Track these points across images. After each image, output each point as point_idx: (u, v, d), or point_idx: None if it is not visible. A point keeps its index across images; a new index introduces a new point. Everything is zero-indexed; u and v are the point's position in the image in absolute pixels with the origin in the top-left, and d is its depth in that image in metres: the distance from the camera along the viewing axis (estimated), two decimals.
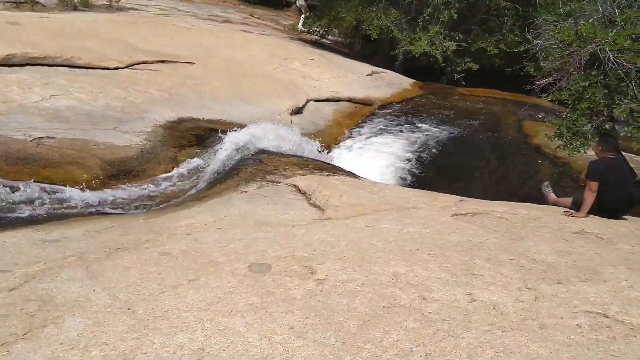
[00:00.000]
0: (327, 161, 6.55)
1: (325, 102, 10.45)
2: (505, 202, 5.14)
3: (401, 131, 9.52)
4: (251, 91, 9.50)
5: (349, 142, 9.03)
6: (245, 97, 9.15)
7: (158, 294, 2.51)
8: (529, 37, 7.67)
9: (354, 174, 6.02)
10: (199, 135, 6.70)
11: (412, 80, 13.38)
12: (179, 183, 5.43)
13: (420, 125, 9.83)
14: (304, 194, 4.56)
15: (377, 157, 8.31)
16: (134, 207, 4.85)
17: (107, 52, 8.91)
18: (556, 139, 6.30)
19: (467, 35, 15.10)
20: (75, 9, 13.06)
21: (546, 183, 5.32)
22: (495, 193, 6.66)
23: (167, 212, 4.33)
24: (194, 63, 9.91)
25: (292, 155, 6.12)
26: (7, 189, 4.41)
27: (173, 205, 4.73)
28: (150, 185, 5.34)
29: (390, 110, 10.87)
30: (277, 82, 10.30)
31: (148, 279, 2.67)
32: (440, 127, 9.72)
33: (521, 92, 13.60)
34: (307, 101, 10.02)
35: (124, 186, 5.16)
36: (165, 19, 14.08)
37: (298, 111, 9.52)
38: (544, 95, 6.75)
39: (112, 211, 4.63)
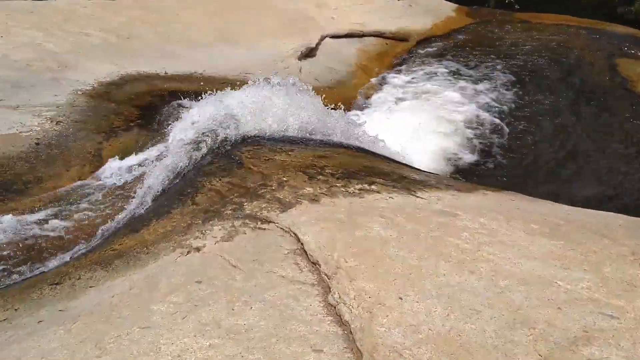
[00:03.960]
0: (357, 145, 4.01)
1: (345, 40, 7.76)
2: None
3: (452, 80, 6.86)
4: (243, 28, 6.85)
5: (378, 98, 6.43)
6: (235, 36, 6.53)
7: None
8: None
9: (403, 174, 3.51)
10: (149, 106, 4.18)
11: (455, 5, 10.45)
12: (89, 209, 2.98)
13: (476, 70, 7.13)
14: (315, 265, 2.10)
15: (422, 125, 5.73)
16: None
17: None
18: None
19: None
20: None
21: None
22: (626, 198, 4.17)
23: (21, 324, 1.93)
24: None
25: (298, 141, 3.59)
26: None
27: (46, 284, 2.32)
28: (40, 212, 2.92)
29: (433, 48, 8.12)
30: (280, 14, 7.59)
31: None
32: (504, 72, 7.01)
33: (601, 17, 10.72)
34: (322, 38, 7.37)
35: None
36: None
37: (309, 54, 6.90)
38: None
39: None
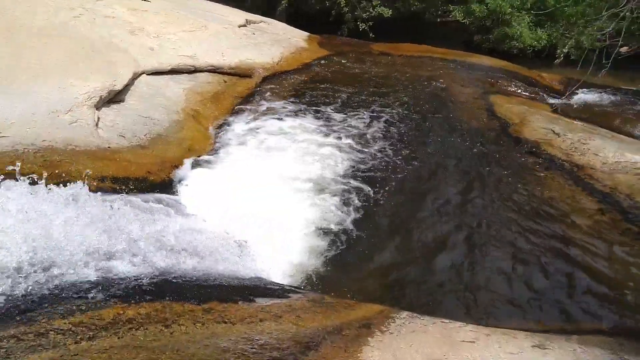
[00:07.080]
0: (155, 279, 2.30)
1: (170, 77, 6.00)
2: None
3: (307, 129, 5.43)
4: (16, 64, 4.81)
5: (213, 159, 4.78)
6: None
7: None
8: None
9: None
10: None
11: (306, 34, 9.18)
12: None
13: (335, 116, 5.79)
14: None
15: (269, 197, 4.18)
16: None
17: None
18: None
19: None
20: None
21: None
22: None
23: None
24: None
25: (26, 309, 1.81)
26: None
27: None
28: None
29: (282, 86, 6.66)
30: (77, 43, 5.62)
31: None
32: (369, 119, 5.75)
33: (459, 46, 10.19)
34: (136, 76, 5.54)
35: None
36: None
37: (114, 98, 5.04)
38: None
39: None
